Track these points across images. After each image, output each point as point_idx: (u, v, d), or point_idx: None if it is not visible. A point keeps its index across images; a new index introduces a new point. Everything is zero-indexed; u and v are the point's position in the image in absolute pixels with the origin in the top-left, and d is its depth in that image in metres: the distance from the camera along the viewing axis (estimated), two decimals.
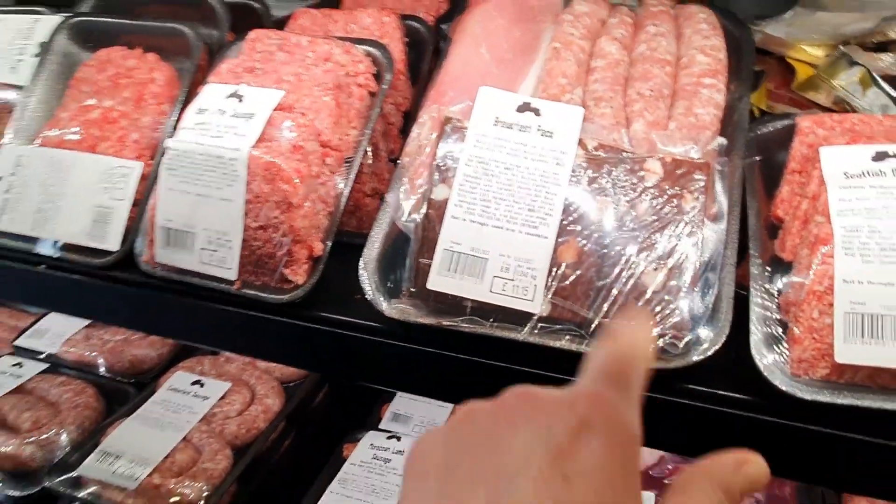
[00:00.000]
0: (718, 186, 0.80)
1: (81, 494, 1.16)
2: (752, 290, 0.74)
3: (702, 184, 0.78)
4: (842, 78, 0.95)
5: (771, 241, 0.80)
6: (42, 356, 1.51)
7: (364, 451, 1.26)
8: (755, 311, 0.72)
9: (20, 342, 1.55)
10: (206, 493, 1.12)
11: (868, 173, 0.74)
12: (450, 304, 0.78)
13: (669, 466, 1.15)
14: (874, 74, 0.94)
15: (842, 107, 1.00)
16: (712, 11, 0.93)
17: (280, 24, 1.16)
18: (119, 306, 0.94)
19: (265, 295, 0.85)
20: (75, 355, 1.49)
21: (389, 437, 1.29)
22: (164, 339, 1.51)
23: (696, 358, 0.70)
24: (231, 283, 0.86)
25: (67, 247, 0.97)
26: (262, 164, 0.83)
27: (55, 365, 1.49)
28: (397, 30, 1.07)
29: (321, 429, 1.43)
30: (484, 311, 0.77)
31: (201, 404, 1.29)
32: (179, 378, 1.36)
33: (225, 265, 0.87)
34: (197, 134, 0.87)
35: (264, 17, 1.21)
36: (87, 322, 1.58)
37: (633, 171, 0.80)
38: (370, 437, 1.30)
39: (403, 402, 1.45)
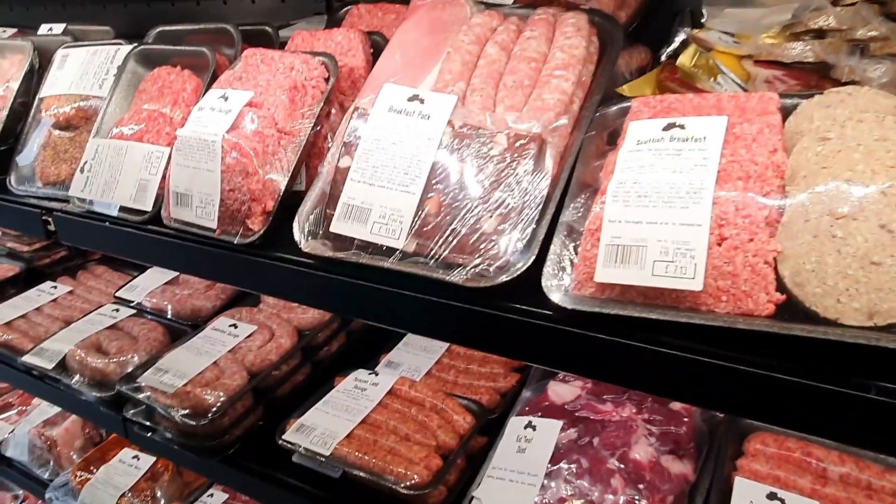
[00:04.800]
0: (549, 154, 1.02)
1: (140, 396, 1.56)
2: (557, 231, 0.95)
3: (533, 152, 1.01)
4: (697, 66, 1.11)
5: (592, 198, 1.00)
6: (132, 304, 1.99)
7: (349, 382, 1.56)
8: (554, 246, 0.94)
9: (119, 294, 2.04)
10: (222, 399, 1.48)
11: (653, 140, 0.93)
12: (345, 242, 1.06)
13: (582, 402, 1.34)
14: (717, 62, 1.09)
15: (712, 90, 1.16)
16: (584, 15, 1.14)
17: (285, 44, 1.51)
18: (149, 250, 1.32)
19: (232, 238, 1.18)
20: (153, 304, 1.94)
21: (370, 374, 1.58)
22: (218, 294, 1.92)
23: (503, 279, 0.93)
24: (213, 230, 1.20)
25: (122, 208, 1.37)
26: (231, 144, 1.16)
27: (140, 311, 1.95)
28: (361, 43, 1.37)
29: (330, 367, 1.76)
30: (366, 247, 1.04)
31: (232, 340, 1.67)
32: (221, 322, 1.75)
33: (210, 218, 1.21)
34: (195, 125, 1.23)
35: (274, 39, 1.55)
36: (168, 278, 2.04)
37: (485, 143, 1.04)
38: (357, 374, 1.60)
39: (398, 353, 1.74)
